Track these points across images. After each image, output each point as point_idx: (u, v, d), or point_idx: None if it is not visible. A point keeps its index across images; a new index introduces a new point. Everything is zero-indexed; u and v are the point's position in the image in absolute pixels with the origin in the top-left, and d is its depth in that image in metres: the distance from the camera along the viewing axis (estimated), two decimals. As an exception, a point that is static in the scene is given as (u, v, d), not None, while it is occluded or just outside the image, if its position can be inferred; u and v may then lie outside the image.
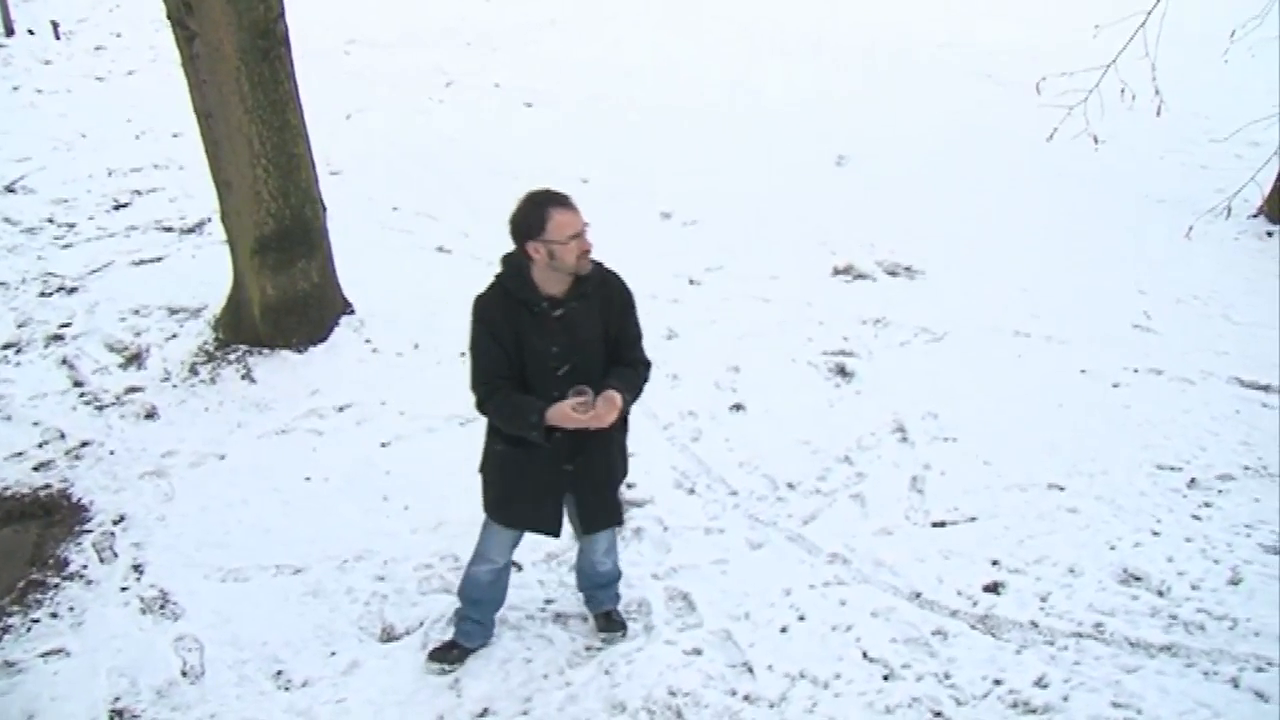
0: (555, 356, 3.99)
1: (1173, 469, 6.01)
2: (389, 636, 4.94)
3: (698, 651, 4.76)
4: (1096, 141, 5.84)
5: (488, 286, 4.08)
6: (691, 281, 7.92)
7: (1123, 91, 5.26)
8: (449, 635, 4.82)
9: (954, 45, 13.33)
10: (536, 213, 3.85)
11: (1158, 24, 5.01)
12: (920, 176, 9.72)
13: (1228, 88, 11.32)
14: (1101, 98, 5.30)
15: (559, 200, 3.87)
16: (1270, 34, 6.77)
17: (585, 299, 4.00)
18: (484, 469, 4.42)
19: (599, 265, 4.06)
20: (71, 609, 5.13)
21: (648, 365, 4.26)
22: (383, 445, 6.21)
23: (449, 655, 4.75)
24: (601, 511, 4.41)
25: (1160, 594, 5.03)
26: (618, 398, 3.90)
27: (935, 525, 5.58)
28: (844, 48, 13.27)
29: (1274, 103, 7.91)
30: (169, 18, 6.29)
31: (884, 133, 10.67)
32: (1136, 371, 6.92)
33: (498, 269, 4.10)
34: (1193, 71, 10.58)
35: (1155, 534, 5.48)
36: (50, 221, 8.82)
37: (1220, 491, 5.83)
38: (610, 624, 4.89)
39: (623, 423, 4.21)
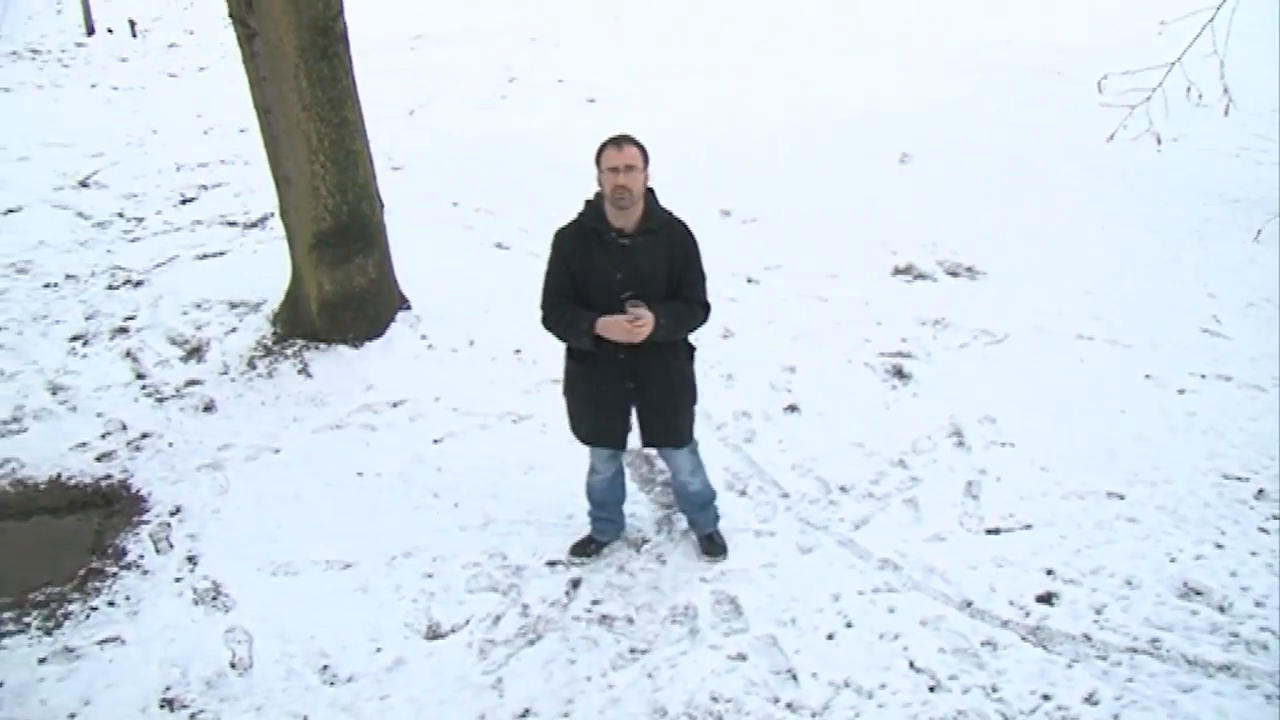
0: (619, 283, 4.49)
1: (1239, 479, 5.82)
2: (434, 634, 4.95)
3: (742, 657, 4.71)
4: (1160, 142, 5.65)
5: (569, 221, 4.65)
6: (750, 280, 7.86)
7: (1189, 90, 5.08)
8: (503, 630, 4.93)
9: (1020, 41, 13.09)
10: (600, 147, 4.46)
11: (1226, 20, 4.84)
12: (984, 175, 9.56)
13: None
14: (1165, 96, 5.14)
15: (615, 140, 4.44)
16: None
17: (651, 234, 4.52)
18: (564, 389, 4.99)
19: (668, 214, 4.60)
20: (128, 598, 5.23)
21: (706, 307, 4.73)
22: (435, 442, 6.24)
23: (586, 548, 5.36)
24: (662, 430, 4.89)
25: (1221, 610, 4.87)
26: (646, 314, 4.39)
27: (989, 532, 5.47)
28: (909, 45, 13.11)
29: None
30: (230, 15, 6.38)
31: (949, 131, 10.52)
32: (1204, 377, 6.72)
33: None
34: (1268, 68, 10.25)
35: (1219, 547, 5.31)
36: (120, 216, 9.02)
37: (1289, 504, 5.64)
38: (712, 546, 5.31)
39: (687, 351, 4.86)
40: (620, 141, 4.42)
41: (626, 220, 4.48)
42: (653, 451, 6.07)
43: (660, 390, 4.77)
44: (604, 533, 5.37)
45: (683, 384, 4.87)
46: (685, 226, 4.64)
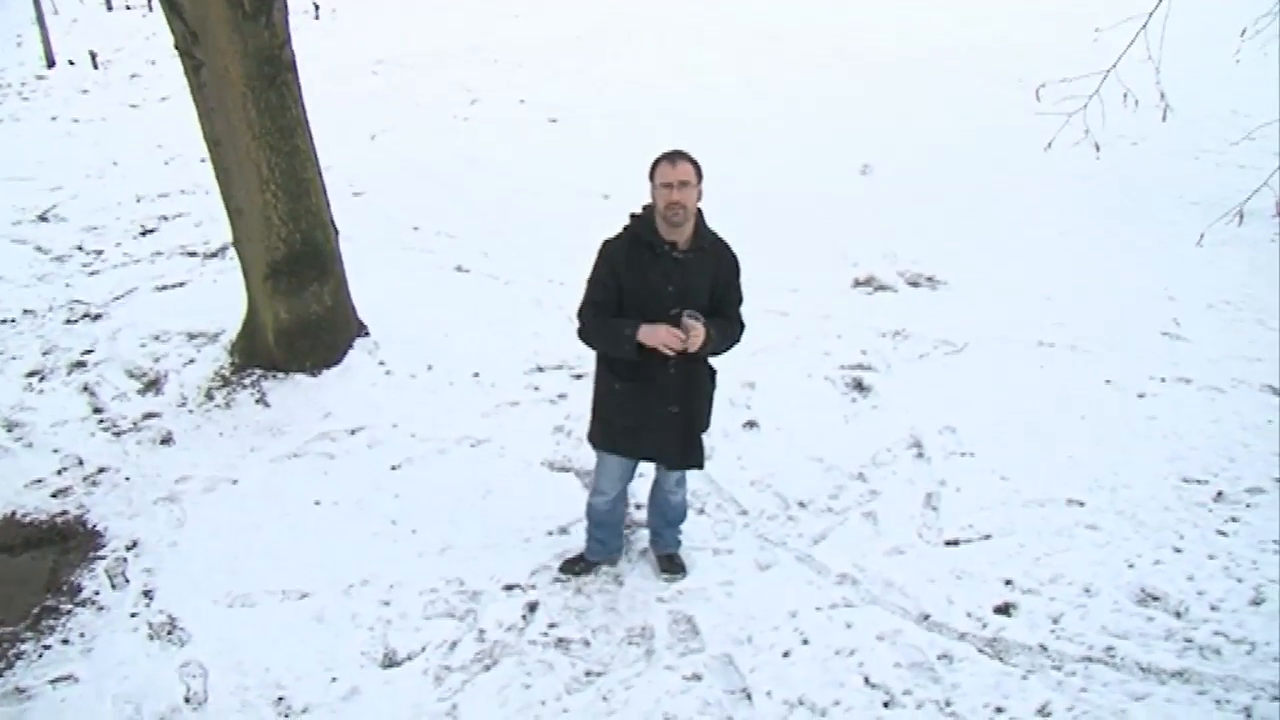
0: (671, 296, 4.46)
1: (1199, 482, 5.84)
2: (391, 662, 4.91)
3: (697, 677, 4.68)
4: (1099, 149, 5.67)
5: (617, 233, 4.59)
6: (709, 297, 7.84)
7: (1125, 96, 5.10)
8: (459, 656, 4.89)
9: (985, 50, 13.15)
10: (654, 162, 4.41)
11: (1160, 26, 4.86)
12: (946, 184, 9.60)
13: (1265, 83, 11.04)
14: (1103, 103, 5.16)
15: (669, 155, 4.40)
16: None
17: (702, 251, 4.52)
18: (599, 406, 4.87)
19: (715, 234, 4.63)
20: (82, 635, 5.16)
21: (743, 326, 4.75)
22: (393, 468, 6.20)
23: (576, 566, 5.35)
24: (690, 452, 4.86)
25: (1177, 615, 4.87)
26: (699, 328, 4.37)
27: (949, 544, 5.46)
28: (871, 55, 13.16)
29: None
30: (176, 48, 6.35)
31: (911, 140, 10.57)
32: (1164, 381, 6.74)
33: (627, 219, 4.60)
34: (1227, 70, 10.30)
35: (1177, 551, 5.31)
36: (79, 249, 8.98)
37: (1249, 505, 5.65)
38: (672, 565, 5.33)
39: (710, 377, 4.82)
40: (674, 157, 4.37)
41: (679, 235, 4.44)
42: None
43: (693, 415, 4.78)
44: (597, 554, 5.33)
45: (708, 408, 4.89)
46: (731, 250, 4.67)
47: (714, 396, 4.90)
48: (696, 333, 4.36)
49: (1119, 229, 8.73)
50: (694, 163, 4.38)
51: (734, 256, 4.66)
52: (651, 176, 4.40)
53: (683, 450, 4.83)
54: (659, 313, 4.44)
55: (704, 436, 4.89)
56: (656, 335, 4.38)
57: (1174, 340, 7.18)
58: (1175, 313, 7.48)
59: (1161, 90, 5.15)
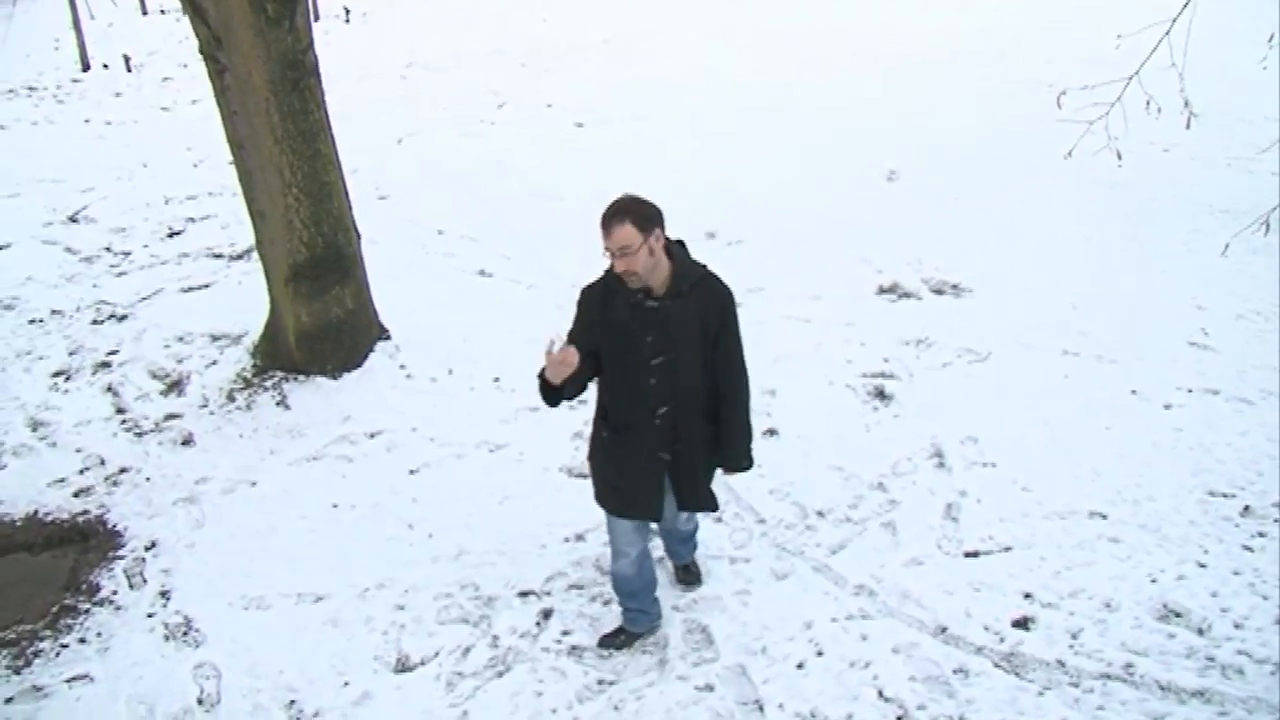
0: (650, 346, 4.20)
1: (1225, 496, 5.73)
2: (403, 667, 4.91)
3: (709, 688, 4.64)
4: (1120, 157, 5.60)
5: (596, 279, 4.30)
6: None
7: (1148, 103, 5.03)
8: (472, 662, 4.88)
9: (1012, 54, 13.04)
10: (600, 222, 4.04)
11: (1185, 31, 4.79)
12: (973, 191, 9.52)
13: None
14: (1125, 110, 5.09)
15: (604, 220, 4.01)
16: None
17: (681, 298, 4.17)
18: (591, 457, 4.65)
19: (703, 269, 4.26)
20: (99, 634, 5.20)
21: (744, 382, 4.47)
22: (411, 472, 6.21)
23: (616, 640, 4.96)
24: (694, 497, 4.60)
25: (1200, 632, 4.78)
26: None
27: (968, 555, 5.39)
28: (897, 59, 13.09)
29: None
30: (200, 52, 6.39)
31: (938, 146, 10.49)
32: (1191, 392, 6.64)
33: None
34: (1258, 76, 10.15)
35: (1201, 566, 5.22)
36: (108, 250, 9.05)
37: (1276, 520, 5.53)
38: (688, 575, 5.24)
39: (713, 420, 4.46)
40: (609, 223, 3.97)
41: (654, 282, 4.12)
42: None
43: (696, 462, 4.50)
44: (638, 623, 4.93)
45: (713, 450, 4.56)
46: (721, 285, 4.28)
47: (725, 443, 4.54)
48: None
49: (1146, 237, 8.62)
50: (636, 218, 3.95)
51: (725, 293, 4.29)
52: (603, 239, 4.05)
53: (688, 495, 4.56)
54: (641, 365, 4.21)
55: (709, 481, 4.62)
56: (547, 367, 4.07)
57: (1201, 350, 7.07)
58: (1203, 322, 7.38)
59: (1185, 97, 5.07)
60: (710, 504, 4.67)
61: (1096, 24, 13.49)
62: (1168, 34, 4.68)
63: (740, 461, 4.60)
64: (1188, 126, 5.46)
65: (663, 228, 4.06)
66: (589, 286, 4.32)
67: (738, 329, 4.38)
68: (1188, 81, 5.16)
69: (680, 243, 4.26)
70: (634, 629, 4.94)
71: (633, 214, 3.97)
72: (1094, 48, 12.40)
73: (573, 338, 4.19)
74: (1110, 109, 4.93)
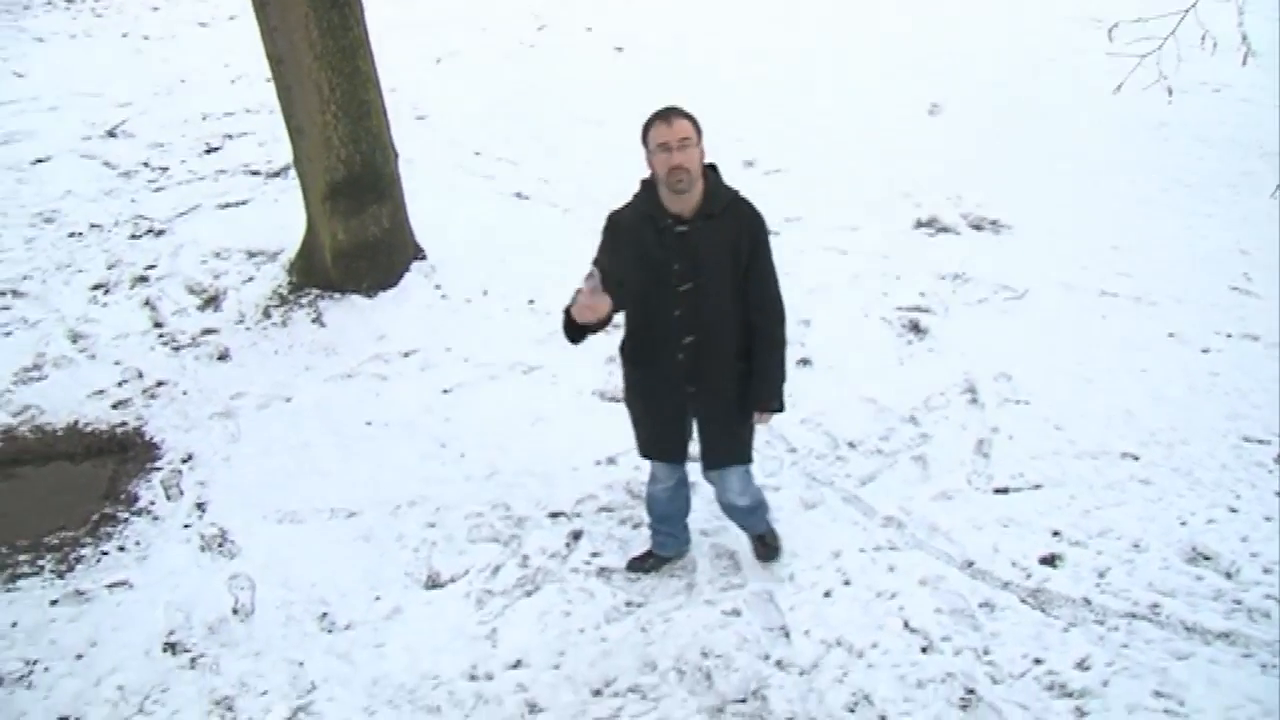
0: (677, 273, 4.06)
1: (1260, 442, 5.68)
2: (434, 583, 4.99)
3: (736, 613, 4.70)
4: (1170, 93, 5.47)
5: (622, 205, 4.20)
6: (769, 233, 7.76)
7: (1203, 38, 4.90)
8: (502, 580, 4.95)
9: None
10: (646, 123, 3.96)
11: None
12: (1016, 126, 9.35)
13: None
14: (1178, 45, 4.96)
15: (662, 113, 3.93)
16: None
17: (710, 219, 4.03)
18: (625, 396, 4.54)
19: (734, 193, 4.11)
20: (138, 543, 5.31)
21: (779, 309, 4.25)
22: (444, 392, 6.25)
23: (644, 564, 4.98)
24: (723, 443, 4.40)
25: (1228, 575, 4.77)
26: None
27: (998, 491, 5.39)
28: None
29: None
30: (241, -36, 6.33)
31: (982, 80, 10.29)
32: (1230, 336, 6.56)
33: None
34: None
35: (1233, 510, 5.19)
36: (146, 165, 9.06)
37: (1310, 467, 5.50)
38: (765, 549, 4.95)
39: (747, 358, 4.25)
40: (668, 115, 3.90)
41: (684, 205, 3.99)
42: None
43: (724, 398, 4.29)
44: (665, 548, 4.94)
45: (750, 394, 4.33)
46: (752, 208, 4.13)
47: (762, 382, 4.31)
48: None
49: (1192, 178, 8.46)
50: (691, 118, 3.93)
51: (756, 216, 4.13)
52: (645, 141, 3.95)
53: (715, 440, 4.40)
54: (666, 295, 4.08)
55: (745, 427, 4.39)
56: (576, 308, 3.75)
57: (1243, 295, 6.97)
58: (1246, 267, 7.26)
59: (1244, 33, 4.94)
60: (740, 455, 4.45)
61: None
62: (1228, -34, 4.56)
63: (771, 401, 4.33)
64: (1244, 63, 5.30)
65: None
66: (615, 212, 4.21)
67: (770, 256, 4.20)
68: (1246, 17, 5.03)
69: (713, 166, 4.13)
70: (661, 553, 4.96)
71: (689, 115, 3.95)
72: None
73: (600, 266, 3.95)
74: (1164, 42, 4.81)
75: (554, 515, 5.33)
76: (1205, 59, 5.82)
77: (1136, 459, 5.57)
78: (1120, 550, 4.96)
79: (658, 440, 4.50)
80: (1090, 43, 10.95)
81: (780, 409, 4.39)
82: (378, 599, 4.90)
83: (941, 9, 12.29)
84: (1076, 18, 11.72)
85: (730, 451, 4.44)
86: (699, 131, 3.94)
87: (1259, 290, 7.02)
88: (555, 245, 7.54)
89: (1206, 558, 4.90)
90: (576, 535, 5.20)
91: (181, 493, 5.61)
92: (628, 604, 4.80)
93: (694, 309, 4.12)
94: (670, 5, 12.42)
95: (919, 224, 7.89)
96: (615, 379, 6.21)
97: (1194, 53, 5.79)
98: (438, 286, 7.12)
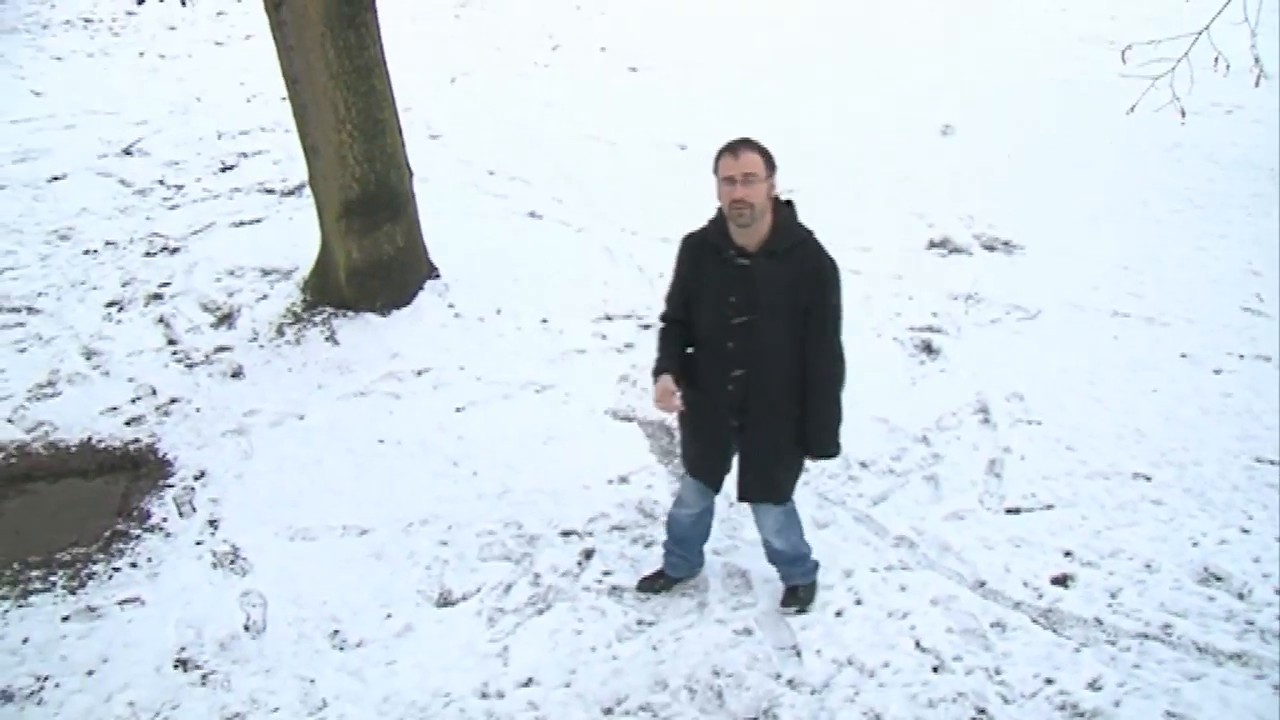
0: (733, 306, 4.04)
1: (1272, 463, 5.67)
2: (445, 601, 4.99)
3: (748, 632, 4.70)
4: (1184, 115, 5.48)
5: (698, 228, 4.21)
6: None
7: (1216, 60, 4.91)
8: (513, 599, 4.96)
9: (1074, 10, 12.77)
10: (718, 154, 3.95)
11: (1259, -12, 4.68)
12: (1028, 147, 9.38)
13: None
14: (1191, 67, 4.98)
15: (732, 145, 3.93)
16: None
17: (773, 257, 3.98)
18: (680, 412, 4.44)
19: (806, 234, 4.08)
20: (150, 560, 5.33)
21: (834, 362, 4.21)
22: (457, 410, 6.27)
23: (655, 583, 4.95)
24: (757, 480, 4.38)
25: (1240, 597, 4.76)
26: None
27: (1009, 512, 5.39)
28: (959, 12, 12.85)
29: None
30: (258, -16, 6.39)
31: (994, 101, 10.32)
32: (1242, 357, 6.55)
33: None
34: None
35: (1245, 531, 5.19)
36: (161, 183, 9.13)
37: (1323, 489, 5.49)
38: (792, 598, 4.80)
39: (800, 402, 4.21)
40: (737, 148, 3.89)
41: (749, 238, 3.97)
42: (673, 422, 6.06)
43: (766, 436, 4.27)
44: (677, 569, 4.91)
45: (792, 433, 4.29)
46: (821, 253, 4.06)
47: (813, 431, 4.29)
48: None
49: (1203, 199, 8.47)
50: (763, 151, 3.90)
51: (825, 263, 4.05)
52: (715, 170, 3.94)
53: (750, 476, 4.37)
54: (721, 325, 4.08)
55: (782, 469, 4.38)
56: (657, 390, 4.17)
57: (1255, 316, 6.97)
58: (1258, 288, 7.26)
59: (1256, 55, 4.95)
60: (771, 494, 4.42)
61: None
62: (1239, -11, 4.57)
63: (826, 447, 4.30)
64: (1256, 85, 5.32)
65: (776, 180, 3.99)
66: (688, 235, 4.23)
67: (837, 305, 4.13)
68: (1259, 39, 5.04)
69: (789, 203, 4.10)
70: (673, 574, 4.93)
71: (760, 148, 3.92)
72: (1159, 5, 12.16)
73: (673, 289, 4.28)
74: (1177, 64, 4.82)
75: (566, 534, 5.33)
76: (1218, 81, 5.83)
77: (1148, 479, 5.57)
78: (1132, 571, 4.95)
79: (699, 461, 4.50)
80: (1103, 64, 10.99)
81: (836, 453, 4.36)
82: (389, 616, 4.91)
83: (953, 30, 12.34)
84: (1089, 39, 11.76)
85: (761, 489, 4.42)
86: (770, 166, 3.92)
87: (1271, 311, 7.02)
88: (568, 264, 7.57)
89: (1218, 578, 4.89)
90: (588, 554, 5.21)
91: (194, 509, 5.63)
92: (639, 622, 4.80)
93: (746, 343, 4.09)
94: (684, 26, 12.49)
95: (931, 244, 7.90)
96: (627, 398, 6.28)
97: (1207, 74, 5.81)
98: (451, 305, 7.15)
